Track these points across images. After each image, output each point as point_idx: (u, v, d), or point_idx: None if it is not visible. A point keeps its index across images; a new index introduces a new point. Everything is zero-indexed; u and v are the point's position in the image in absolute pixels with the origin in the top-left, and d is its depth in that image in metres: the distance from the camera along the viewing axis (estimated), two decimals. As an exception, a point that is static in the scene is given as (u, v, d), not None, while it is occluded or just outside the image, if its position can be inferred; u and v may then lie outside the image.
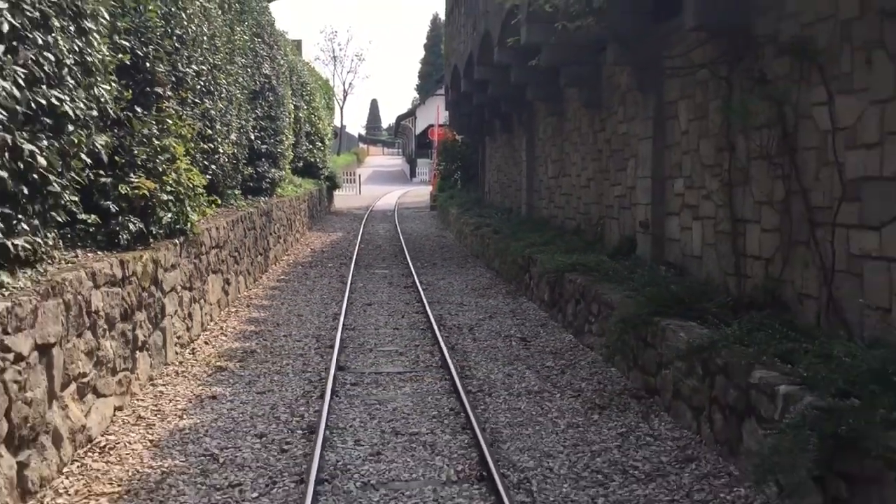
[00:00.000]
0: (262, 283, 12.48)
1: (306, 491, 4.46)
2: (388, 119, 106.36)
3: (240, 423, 5.83)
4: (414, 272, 13.38)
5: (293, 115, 18.14)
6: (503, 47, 12.44)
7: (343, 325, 9.20)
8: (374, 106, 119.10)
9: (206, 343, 8.31)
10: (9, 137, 4.35)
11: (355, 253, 16.33)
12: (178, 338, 7.72)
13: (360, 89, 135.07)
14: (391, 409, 6.17)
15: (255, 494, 4.58)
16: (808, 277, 5.80)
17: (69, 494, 4.51)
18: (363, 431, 5.67)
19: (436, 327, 8.92)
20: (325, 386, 6.60)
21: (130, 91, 6.73)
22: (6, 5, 4.20)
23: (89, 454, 5.11)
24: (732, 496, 4.42)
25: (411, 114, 59.90)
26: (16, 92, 4.35)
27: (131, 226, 6.62)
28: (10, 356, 4.22)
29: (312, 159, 23.88)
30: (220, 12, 10.25)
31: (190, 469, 4.94)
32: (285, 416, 6.01)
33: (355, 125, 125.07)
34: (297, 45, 28.81)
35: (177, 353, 7.58)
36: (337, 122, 55.28)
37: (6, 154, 4.37)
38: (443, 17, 28.47)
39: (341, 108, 64.46)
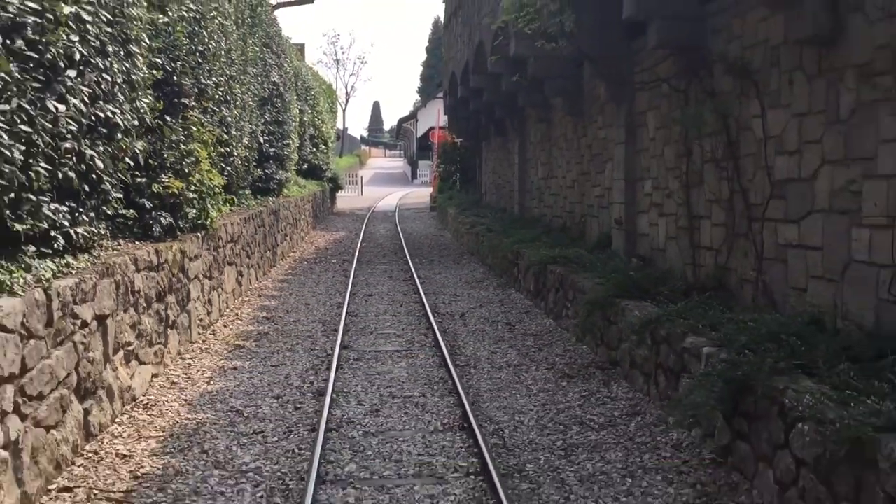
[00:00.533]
0: (270, 276, 13.48)
1: (317, 437, 5.45)
2: (390, 121, 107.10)
3: (259, 388, 6.83)
4: (412, 267, 14.38)
5: (298, 119, 19.15)
6: (496, 58, 13.46)
7: (346, 312, 10.20)
8: (376, 108, 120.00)
9: (224, 326, 9.32)
10: (76, 145, 5.36)
11: (357, 250, 17.33)
12: (201, 320, 8.72)
13: (362, 92, 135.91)
14: (388, 379, 7.17)
15: (275, 439, 5.57)
16: (746, 265, 6.79)
17: (123, 437, 5.51)
18: (364, 395, 6.67)
19: (430, 314, 9.92)
20: (332, 360, 7.60)
21: (161, 102, 7.73)
22: (77, 38, 5.20)
23: (135, 409, 6.11)
24: (667, 439, 5.42)
25: (413, 116, 60.89)
26: (83, 107, 5.36)
27: (162, 220, 7.63)
28: (78, 322, 5.22)
29: (316, 161, 24.87)
30: (234, 28, 11.27)
31: (219, 421, 5.94)
32: (297, 383, 7.01)
33: (357, 127, 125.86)
34: (301, 48, 29.77)
35: (199, 333, 8.58)
36: (339, 125, 56.25)
37: (74, 158, 5.37)
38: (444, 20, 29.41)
39: (343, 111, 65.50)
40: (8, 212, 4.64)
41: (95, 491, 4.63)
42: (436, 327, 9.07)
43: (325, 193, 26.65)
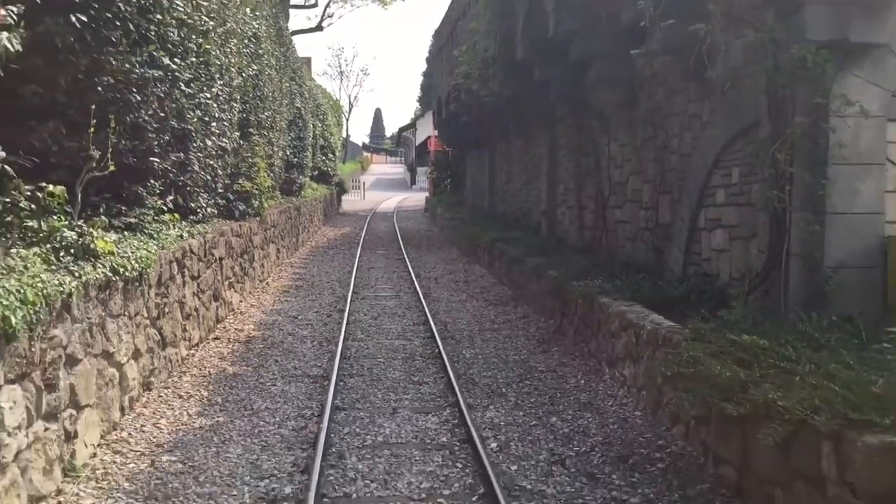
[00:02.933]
0: (295, 256, 18.02)
1: (342, 325, 9.97)
2: (391, 128, 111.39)
3: (303, 309, 11.37)
4: (404, 252, 18.92)
5: (312, 133, 23.70)
6: (454, 104, 18.09)
7: (355, 277, 14.71)
8: (377, 115, 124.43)
9: (272, 282, 13.87)
10: (210, 162, 9.90)
11: (361, 240, 21.88)
12: (259, 276, 13.27)
13: (364, 101, 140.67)
14: (383, 306, 11.71)
15: (318, 325, 10.11)
16: (600, 236, 11.34)
17: (234, 325, 10.05)
18: (368, 313, 11.19)
19: (414, 277, 14.44)
20: (347, 299, 12.12)
21: (239, 132, 12.26)
22: (215, 104, 9.74)
23: (237, 315, 10.66)
24: (535, 328, 9.94)
25: (412, 125, 65.30)
26: (214, 140, 9.91)
27: (240, 207, 12.17)
28: (214, 257, 9.77)
29: (325, 168, 29.47)
30: (276, 73, 15.82)
31: (284, 319, 10.48)
32: (327, 308, 11.53)
33: (359, 133, 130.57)
34: (308, 62, 34.38)
35: (258, 283, 13.12)
36: (343, 133, 60.82)
37: (210, 169, 9.91)
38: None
39: (347, 120, 70.01)
40: (185, 198, 9.16)
41: (230, 339, 9.17)
42: (416, 284, 13.60)
43: (332, 196, 31.24)
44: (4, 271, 4.67)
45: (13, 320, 4.28)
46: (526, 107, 13.99)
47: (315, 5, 32.06)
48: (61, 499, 4.76)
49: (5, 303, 4.27)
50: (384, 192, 51.16)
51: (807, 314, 5.64)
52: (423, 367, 8.15)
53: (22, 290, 4.52)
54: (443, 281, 14.38)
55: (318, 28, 32.49)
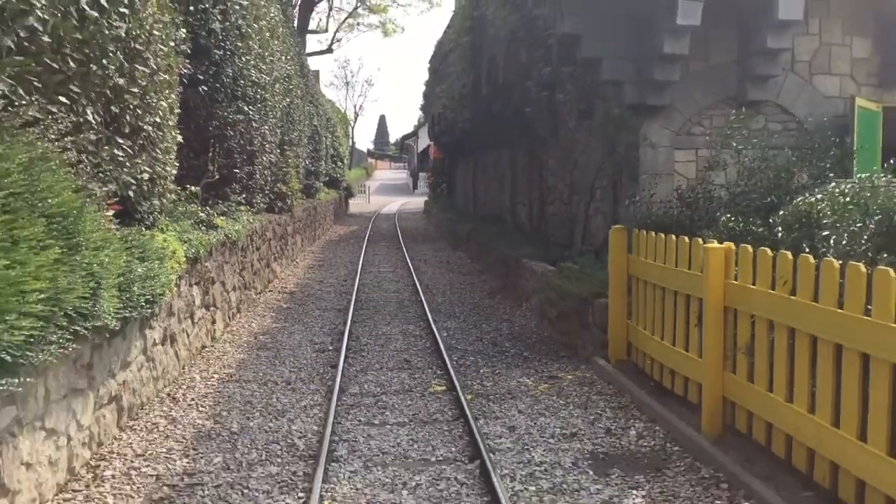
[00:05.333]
0: (314, 245, 22.59)
1: (354, 286, 14.51)
2: (395, 133, 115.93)
3: (326, 278, 15.94)
4: (403, 244, 23.48)
5: (325, 144, 28.28)
6: (438, 127, 22.68)
7: (362, 259, 19.27)
8: (382, 122, 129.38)
9: (300, 262, 18.44)
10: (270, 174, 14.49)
11: (367, 235, 26.45)
12: (290, 256, 17.84)
13: (368, 109, 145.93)
14: (384, 276, 16.27)
15: (338, 286, 14.67)
16: (540, 225, 15.86)
17: (279, 285, 14.62)
18: (373, 280, 15.75)
19: (408, 260, 18.99)
20: (357, 272, 16.68)
21: (279, 149, 16.80)
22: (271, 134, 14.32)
23: (279, 279, 15.24)
24: (489, 287, 14.48)
25: (414, 133, 70.05)
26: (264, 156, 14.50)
27: (279, 204, 16.75)
28: (266, 237, 14.35)
29: (335, 175, 34.07)
30: (301, 101, 20.40)
31: (312, 282, 15.06)
32: (343, 277, 16.09)
33: (364, 140, 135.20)
34: (316, 74, 39.07)
35: (289, 262, 17.69)
36: (350, 142, 65.45)
37: (265, 175, 14.49)
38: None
39: (352, 129, 74.71)
40: (250, 197, 13.72)
41: (279, 291, 13.75)
42: (410, 264, 18.15)
43: (341, 199, 35.82)
44: (184, 231, 9.23)
45: (201, 252, 8.85)
46: (491, 131, 18.55)
47: (326, 31, 36.72)
48: (213, 348, 9.32)
49: (195, 245, 8.82)
50: (388, 196, 55.77)
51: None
52: (409, 305, 12.71)
53: (195, 241, 9.07)
54: (430, 262, 18.94)
55: (329, 50, 37.18)
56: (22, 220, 3.79)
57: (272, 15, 15.31)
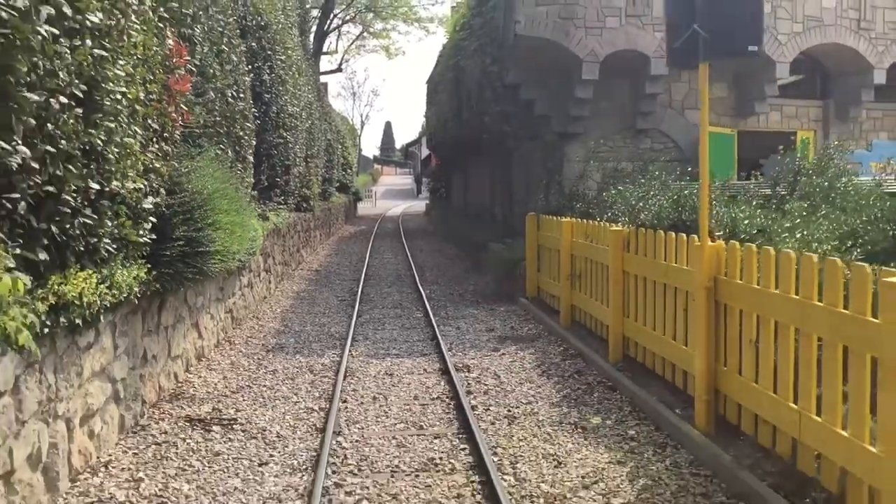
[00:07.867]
0: (329, 240, 27.39)
1: (364, 266, 19.28)
2: (401, 139, 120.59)
3: (342, 262, 20.73)
4: (404, 240, 28.27)
5: (336, 154, 33.09)
6: (432, 143, 27.51)
7: (369, 252, 24.04)
8: (388, 128, 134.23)
9: (319, 252, 23.24)
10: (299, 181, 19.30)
11: (374, 233, 31.25)
12: (312, 247, 22.63)
13: (374, 116, 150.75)
14: (386, 262, 21.07)
15: (351, 267, 19.47)
16: (506, 218, 20.61)
17: (307, 266, 19.43)
18: (379, 263, 20.53)
19: (407, 250, 23.77)
20: (366, 259, 21.45)
21: (306, 162, 21.56)
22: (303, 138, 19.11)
23: (306, 263, 20.04)
24: (465, 265, 19.23)
25: (418, 140, 74.96)
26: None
27: (304, 205, 21.54)
28: (296, 230, 19.15)
29: (345, 181, 38.90)
30: (318, 121, 25.19)
31: (332, 264, 19.87)
32: (355, 262, 20.88)
33: (370, 146, 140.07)
34: (325, 87, 43.93)
35: (311, 251, 22.48)
36: (357, 151, 70.28)
37: (297, 181, 19.31)
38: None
39: (359, 137, 79.56)
40: (285, 199, 18.50)
41: (307, 269, 18.54)
42: (408, 253, 22.91)
43: (350, 202, 40.66)
44: (263, 221, 14.04)
45: (260, 236, 13.65)
46: (473, 148, 23.34)
47: (336, 52, 41.62)
48: (269, 299, 14.10)
49: (261, 231, 13.58)
50: (393, 201, 60.63)
51: (549, 239, 14.93)
52: (404, 277, 17.50)
53: (257, 229, 13.83)
54: (425, 250, 23.71)
55: (339, 70, 42.06)
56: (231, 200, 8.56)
57: (298, 56, 20.12)
